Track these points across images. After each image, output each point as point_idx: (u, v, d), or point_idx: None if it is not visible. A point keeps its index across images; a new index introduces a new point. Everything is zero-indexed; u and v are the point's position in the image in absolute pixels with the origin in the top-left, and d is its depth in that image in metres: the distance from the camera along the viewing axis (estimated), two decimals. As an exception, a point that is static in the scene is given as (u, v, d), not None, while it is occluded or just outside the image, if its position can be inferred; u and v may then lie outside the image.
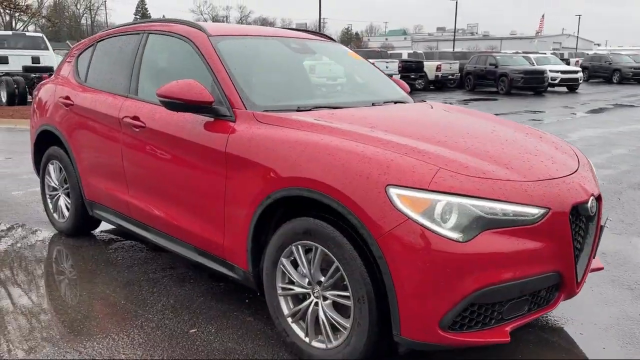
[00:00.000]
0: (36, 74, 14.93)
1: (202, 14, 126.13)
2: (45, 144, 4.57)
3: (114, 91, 3.79)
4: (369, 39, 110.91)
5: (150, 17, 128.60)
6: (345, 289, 2.40)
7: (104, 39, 4.19)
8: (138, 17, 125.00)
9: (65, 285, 3.59)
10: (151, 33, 3.71)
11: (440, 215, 2.15)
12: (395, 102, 3.55)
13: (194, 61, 3.32)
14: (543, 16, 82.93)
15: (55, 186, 4.51)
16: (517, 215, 2.23)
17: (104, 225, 4.58)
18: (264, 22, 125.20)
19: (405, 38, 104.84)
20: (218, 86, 3.05)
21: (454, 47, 57.01)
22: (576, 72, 25.50)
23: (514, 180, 2.34)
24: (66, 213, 4.41)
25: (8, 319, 3.08)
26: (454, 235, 2.14)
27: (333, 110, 3.03)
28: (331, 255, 2.41)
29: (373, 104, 3.36)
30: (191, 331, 2.95)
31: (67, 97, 4.14)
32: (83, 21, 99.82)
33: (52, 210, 4.58)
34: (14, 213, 5.11)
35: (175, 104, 2.95)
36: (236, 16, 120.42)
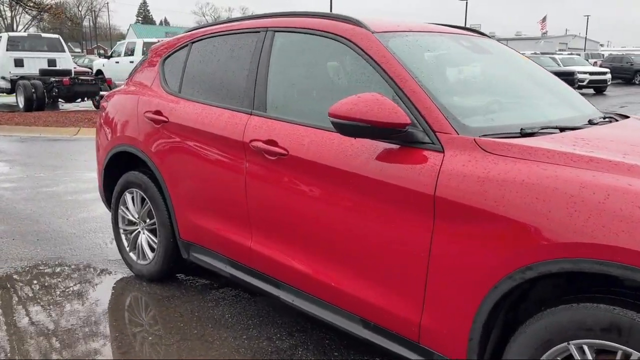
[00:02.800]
0: (55, 77, 14.05)
1: (204, 16, 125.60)
2: (119, 168, 3.74)
3: (228, 106, 2.95)
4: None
5: (152, 19, 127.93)
6: None
7: (202, 39, 3.34)
8: (140, 19, 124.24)
9: (174, 361, 2.74)
10: (278, 31, 2.86)
11: None
12: (604, 118, 2.71)
13: (355, 67, 2.50)
14: (544, 18, 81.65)
15: (134, 220, 3.66)
16: None
17: (187, 266, 3.74)
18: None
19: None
20: (406, 101, 2.21)
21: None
22: (604, 73, 24.69)
23: None
24: (149, 254, 3.56)
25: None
26: None
27: (577, 133, 2.19)
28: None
29: (590, 122, 2.52)
30: None
31: (159, 112, 3.29)
32: (85, 23, 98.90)
33: (127, 249, 3.73)
34: (73, 248, 4.26)
35: (357, 127, 2.11)
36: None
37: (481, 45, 2.96)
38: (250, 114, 2.79)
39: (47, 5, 19.00)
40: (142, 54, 17.36)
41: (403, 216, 2.12)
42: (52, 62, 16.08)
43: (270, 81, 2.79)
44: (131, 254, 3.71)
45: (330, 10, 38.82)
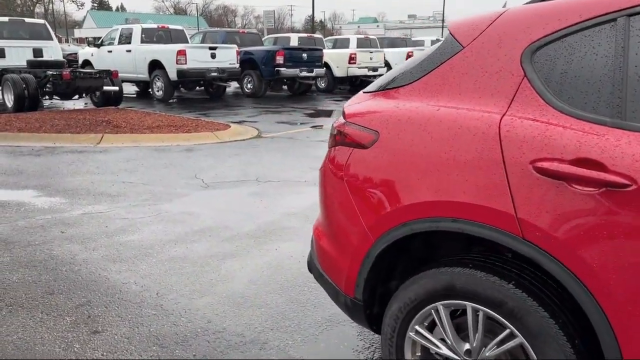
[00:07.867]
0: (52, 70, 11.81)
1: (163, 2, 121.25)
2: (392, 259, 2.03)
3: None
4: (340, 27, 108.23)
5: (109, 5, 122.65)
6: None
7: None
8: (95, 5, 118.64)
9: None
10: None
11: None
12: None
13: None
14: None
15: (452, 358, 1.94)
16: None
17: None
18: (226, 9, 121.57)
19: (377, 25, 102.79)
20: None
21: (442, 34, 54.99)
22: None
23: None
24: None
25: None
26: None
27: None
28: None
29: None
30: None
31: (606, 169, 1.55)
32: (37, 10, 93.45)
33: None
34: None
35: None
36: (199, 3, 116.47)
37: None
38: None
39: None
40: (141, 42, 15.29)
41: None
42: (37, 52, 13.80)
43: None
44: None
45: (312, 9, 34.23)
